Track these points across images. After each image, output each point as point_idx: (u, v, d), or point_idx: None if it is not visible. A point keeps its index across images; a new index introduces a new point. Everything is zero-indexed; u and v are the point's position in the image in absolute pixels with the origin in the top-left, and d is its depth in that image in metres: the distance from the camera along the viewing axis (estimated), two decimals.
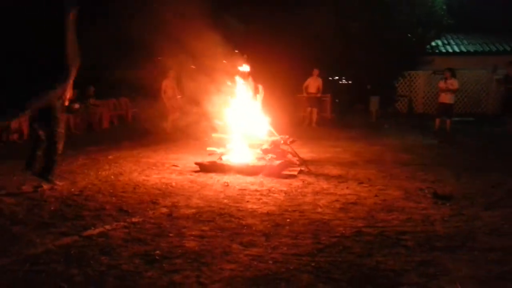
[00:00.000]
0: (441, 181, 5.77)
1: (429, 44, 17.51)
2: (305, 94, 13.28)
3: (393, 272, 3.05)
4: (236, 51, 8.13)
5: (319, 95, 13.15)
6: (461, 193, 5.16)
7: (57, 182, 5.43)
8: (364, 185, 5.64)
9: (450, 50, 18.42)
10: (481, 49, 18.32)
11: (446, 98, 11.26)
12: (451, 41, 18.97)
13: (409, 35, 16.16)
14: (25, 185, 5.43)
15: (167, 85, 10.96)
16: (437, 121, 11.57)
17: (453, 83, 11.21)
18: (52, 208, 4.55)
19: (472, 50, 18.31)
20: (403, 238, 3.70)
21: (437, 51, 18.09)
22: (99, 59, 10.25)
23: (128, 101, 14.37)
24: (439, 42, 18.42)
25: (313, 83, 13.10)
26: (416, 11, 15.88)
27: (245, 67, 7.74)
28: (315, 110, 13.08)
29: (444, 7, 16.63)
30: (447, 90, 11.20)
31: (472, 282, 2.90)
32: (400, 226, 4.00)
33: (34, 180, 5.54)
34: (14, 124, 9.70)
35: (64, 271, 3.03)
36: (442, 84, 11.35)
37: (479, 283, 2.90)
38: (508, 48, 18.10)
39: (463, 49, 18.45)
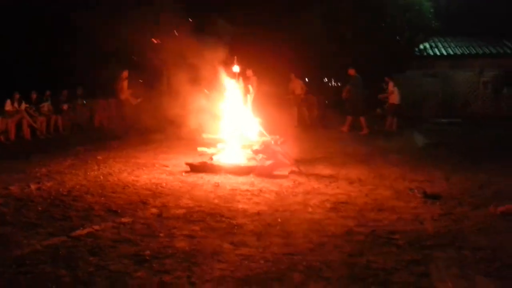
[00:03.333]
0: (430, 181, 5.81)
1: (418, 47, 17.69)
2: (291, 96, 13.35)
3: (384, 271, 3.06)
4: (227, 52, 8.10)
5: (302, 96, 13.29)
6: (450, 193, 5.21)
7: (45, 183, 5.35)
8: (354, 185, 5.66)
9: (438, 53, 18.62)
10: (468, 51, 18.55)
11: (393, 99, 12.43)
12: (439, 44, 19.18)
13: (398, 38, 16.30)
14: (12, 186, 5.34)
15: (122, 84, 11.31)
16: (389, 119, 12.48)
17: (389, 87, 12.51)
18: (39, 208, 4.48)
19: (459, 53, 18.53)
20: (394, 237, 3.71)
21: (425, 53, 18.28)
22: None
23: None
24: (427, 45, 18.62)
25: (297, 85, 13.24)
26: (405, 15, 16.04)
27: (236, 68, 7.72)
28: (304, 109, 13.19)
29: (432, 10, 16.82)
30: (391, 94, 12.45)
31: (462, 281, 2.91)
32: (391, 225, 4.02)
33: (22, 180, 5.45)
34: (0, 125, 9.57)
35: (52, 272, 2.98)
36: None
37: (468, 281, 2.92)
38: (494, 51, 18.37)
39: (451, 51, 18.66)
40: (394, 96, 12.48)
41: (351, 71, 11.94)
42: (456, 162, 7.25)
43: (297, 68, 13.29)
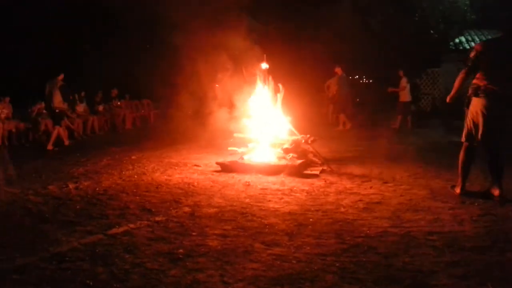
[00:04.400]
0: (468, 180, 5.60)
1: (452, 41, 17.10)
2: (327, 93, 13.13)
3: (421, 273, 2.98)
4: (257, 51, 8.10)
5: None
6: (489, 192, 4.99)
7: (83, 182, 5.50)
8: (388, 184, 5.54)
9: None
10: None
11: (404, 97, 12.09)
12: (475, 38, 18.45)
13: (432, 31, 15.81)
14: (51, 185, 5.55)
15: None
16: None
17: (401, 82, 12.07)
18: (77, 207, 4.63)
19: None
20: (431, 238, 3.60)
21: (461, 47, 17.65)
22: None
23: (151, 102, 14.56)
24: (463, 39, 17.96)
25: (334, 82, 12.95)
26: (438, 7, 15.54)
27: (265, 66, 7.70)
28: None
29: (467, 2, 16.21)
30: (402, 90, 12.02)
31: (504, 284, 2.79)
32: (427, 226, 3.90)
33: (60, 180, 5.65)
34: (41, 126, 9.96)
35: (90, 269, 3.07)
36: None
37: (511, 285, 2.80)
38: None
39: None
40: (404, 93, 12.09)
41: (338, 70, 11.74)
42: None
43: (326, 65, 13.11)
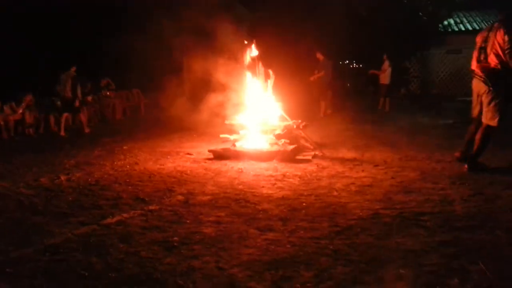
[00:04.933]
0: (458, 162, 5.67)
1: (441, 23, 17.09)
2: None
3: (413, 252, 3.02)
4: (245, 37, 8.04)
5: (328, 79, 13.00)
6: (479, 172, 5.07)
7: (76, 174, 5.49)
8: (379, 167, 5.58)
9: (463, 29, 17.94)
10: None
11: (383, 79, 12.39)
12: (464, 19, 18.46)
13: (420, 13, 15.79)
14: (43, 177, 5.50)
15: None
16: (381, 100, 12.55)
17: (383, 65, 12.36)
18: (70, 198, 4.60)
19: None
20: (422, 219, 3.65)
21: (449, 30, 17.66)
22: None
23: (140, 92, 14.40)
24: (452, 21, 17.97)
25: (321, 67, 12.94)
26: None
27: (254, 53, 7.66)
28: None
29: None
30: (383, 72, 12.31)
31: (495, 262, 2.85)
32: (418, 207, 3.95)
33: (51, 172, 5.60)
34: (29, 119, 9.83)
35: (84, 260, 3.07)
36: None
37: (502, 262, 2.86)
38: None
39: (476, 26, 17.92)
40: (385, 75, 12.28)
41: (319, 56, 11.74)
42: None
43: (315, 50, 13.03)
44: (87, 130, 10.03)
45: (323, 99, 11.82)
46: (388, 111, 12.17)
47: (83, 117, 10.19)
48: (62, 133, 9.67)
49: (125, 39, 9.42)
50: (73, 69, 9.90)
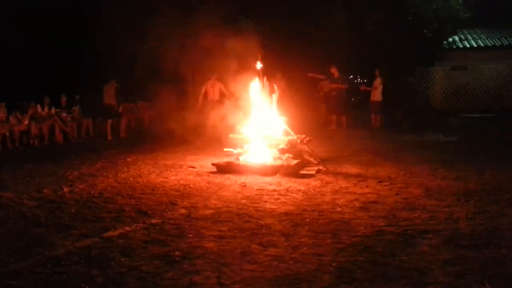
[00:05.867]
0: (463, 178, 5.64)
1: (446, 39, 17.18)
2: (321, 93, 13.14)
3: (417, 271, 2.98)
4: (251, 52, 8.10)
5: (334, 93, 13.02)
6: (484, 189, 5.03)
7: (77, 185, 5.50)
8: (384, 183, 5.55)
9: (468, 45, 18.03)
10: (500, 43, 17.87)
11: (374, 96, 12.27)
12: (469, 36, 18.55)
13: (425, 30, 15.87)
14: (46, 188, 5.51)
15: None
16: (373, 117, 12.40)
17: (375, 82, 12.26)
18: (72, 210, 4.60)
19: (490, 45, 17.87)
20: (427, 236, 3.61)
21: (454, 46, 17.74)
22: None
23: (145, 104, 14.47)
24: (456, 38, 18.06)
25: (323, 83, 13.02)
26: (431, 5, 15.60)
27: (259, 67, 7.70)
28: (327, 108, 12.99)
29: (460, 1, 16.29)
30: (374, 89, 12.20)
31: (501, 281, 2.80)
32: (423, 225, 3.91)
33: (55, 183, 5.60)
34: (34, 129, 9.89)
35: (85, 272, 3.05)
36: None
37: (508, 281, 2.81)
38: None
39: (481, 43, 18.02)
40: (376, 92, 12.21)
41: (334, 71, 11.83)
42: (489, 157, 7.01)
43: (319, 65, 13.11)
44: (123, 135, 11.17)
45: (340, 113, 11.83)
46: (377, 127, 11.98)
47: (123, 123, 11.35)
48: (109, 137, 10.76)
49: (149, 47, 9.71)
50: (114, 81, 11.06)
